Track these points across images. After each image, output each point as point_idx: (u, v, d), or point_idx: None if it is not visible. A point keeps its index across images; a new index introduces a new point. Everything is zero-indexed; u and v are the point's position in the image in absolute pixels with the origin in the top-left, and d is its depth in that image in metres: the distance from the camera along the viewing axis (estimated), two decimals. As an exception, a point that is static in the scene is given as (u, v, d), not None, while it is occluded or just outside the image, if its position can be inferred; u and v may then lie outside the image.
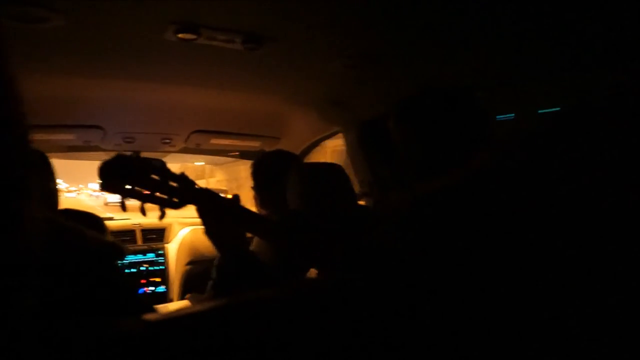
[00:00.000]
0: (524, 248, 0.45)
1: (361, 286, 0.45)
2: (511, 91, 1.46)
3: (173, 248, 2.67)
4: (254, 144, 2.41)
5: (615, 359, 0.42)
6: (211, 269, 1.07)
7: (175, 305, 2.30)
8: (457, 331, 0.43)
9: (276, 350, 0.37)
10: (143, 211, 0.95)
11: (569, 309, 0.43)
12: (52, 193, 1.26)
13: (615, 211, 0.45)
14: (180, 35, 1.09)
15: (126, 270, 2.48)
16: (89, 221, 1.26)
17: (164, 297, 2.55)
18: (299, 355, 0.38)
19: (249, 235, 1.16)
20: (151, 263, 2.58)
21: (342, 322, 0.41)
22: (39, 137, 1.88)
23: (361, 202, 2.04)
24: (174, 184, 0.95)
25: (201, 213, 1.00)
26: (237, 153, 2.66)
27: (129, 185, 0.89)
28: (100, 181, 0.87)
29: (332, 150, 4.48)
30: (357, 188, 1.95)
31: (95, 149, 2.23)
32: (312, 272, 1.20)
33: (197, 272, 2.55)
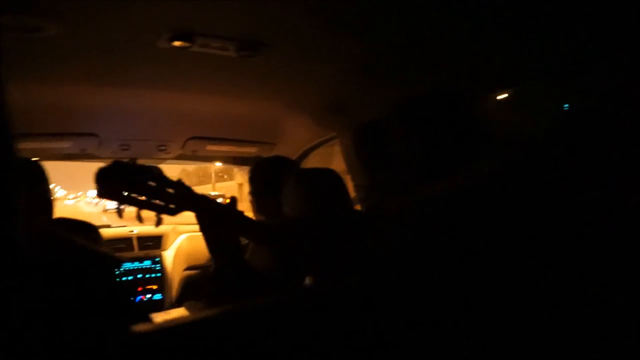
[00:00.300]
0: (523, 249, 0.45)
1: (359, 291, 0.45)
2: (511, 93, 1.46)
3: (170, 255, 2.66)
4: (250, 150, 2.41)
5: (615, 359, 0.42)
6: (208, 276, 1.06)
7: (172, 313, 2.29)
8: (457, 332, 0.42)
9: (273, 358, 0.37)
10: (139, 218, 0.94)
11: (570, 310, 0.43)
12: (47, 202, 1.25)
13: (614, 211, 0.45)
14: (174, 43, 1.09)
15: (123, 278, 2.47)
16: (84, 230, 1.25)
17: (161, 305, 2.54)
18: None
19: (244, 241, 1.15)
20: (148, 271, 2.57)
21: (340, 328, 0.40)
22: (34, 145, 1.88)
23: (358, 207, 2.04)
24: (171, 191, 0.95)
25: (198, 219, 1.00)
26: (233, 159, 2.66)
27: (126, 191, 0.89)
28: (97, 187, 0.87)
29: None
30: (353, 193, 1.95)
31: (91, 156, 2.22)
32: (309, 278, 1.20)
33: (194, 280, 2.54)
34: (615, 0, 0.91)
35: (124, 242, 2.58)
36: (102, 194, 0.88)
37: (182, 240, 2.69)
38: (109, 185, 0.88)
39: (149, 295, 2.53)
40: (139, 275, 2.53)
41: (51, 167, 1.34)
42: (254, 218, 1.61)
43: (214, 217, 1.00)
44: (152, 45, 1.12)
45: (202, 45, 1.12)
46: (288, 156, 1.99)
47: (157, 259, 2.61)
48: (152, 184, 0.92)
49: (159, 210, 0.94)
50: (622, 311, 0.44)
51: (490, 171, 0.51)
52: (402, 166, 0.92)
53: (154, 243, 2.67)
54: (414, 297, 0.44)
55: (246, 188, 1.71)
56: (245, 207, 1.57)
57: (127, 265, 2.51)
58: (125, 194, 0.89)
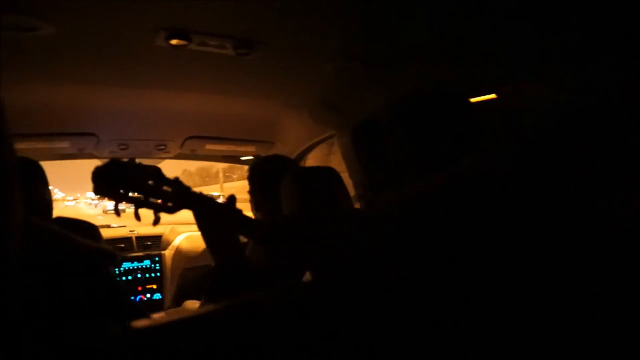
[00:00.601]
0: (515, 247, 0.45)
1: (356, 288, 0.45)
2: (504, 91, 1.47)
3: (169, 255, 2.66)
4: (249, 149, 2.42)
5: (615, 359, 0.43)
6: (207, 274, 1.07)
7: (171, 313, 2.29)
8: (451, 330, 0.43)
9: (271, 355, 0.37)
10: (137, 216, 0.95)
11: (567, 309, 0.43)
12: (45, 202, 1.25)
13: (610, 211, 0.45)
14: (171, 42, 1.09)
15: (122, 278, 2.47)
16: (84, 229, 1.25)
17: (161, 305, 2.54)
18: (294, 358, 0.38)
19: (244, 239, 1.15)
20: (147, 270, 2.57)
21: (337, 324, 0.41)
22: (32, 145, 1.88)
23: (357, 205, 2.04)
24: (168, 189, 0.95)
25: (197, 217, 1.00)
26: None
27: (123, 190, 0.89)
28: (94, 185, 0.87)
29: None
30: (352, 191, 1.95)
31: (89, 156, 2.22)
32: (307, 276, 1.20)
33: (194, 279, 2.55)
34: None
35: (124, 242, 2.59)
36: (99, 192, 0.88)
37: (181, 240, 2.69)
38: (106, 183, 0.88)
39: (148, 295, 2.54)
40: (139, 275, 2.53)
41: (48, 169, 1.34)
42: (252, 216, 1.62)
43: (212, 215, 1.00)
44: (150, 44, 1.12)
45: (200, 43, 1.11)
46: (286, 155, 1.99)
47: (156, 259, 2.61)
48: (150, 182, 0.92)
49: (157, 209, 0.94)
50: (622, 312, 0.44)
51: (486, 169, 0.51)
52: (394, 164, 0.92)
53: (153, 243, 2.67)
54: (410, 294, 0.44)
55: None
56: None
57: (127, 265, 2.51)
58: (123, 192, 0.89)
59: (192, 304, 2.22)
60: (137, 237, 2.65)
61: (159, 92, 1.62)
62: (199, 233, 1.04)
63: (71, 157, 2.28)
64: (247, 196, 1.65)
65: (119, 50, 1.18)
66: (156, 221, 0.95)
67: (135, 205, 0.92)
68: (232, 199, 1.06)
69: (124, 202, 0.90)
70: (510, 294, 0.44)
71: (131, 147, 2.14)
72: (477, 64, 1.36)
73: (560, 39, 1.14)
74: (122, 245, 2.58)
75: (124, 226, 2.74)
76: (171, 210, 0.96)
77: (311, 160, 2.47)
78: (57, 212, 1.36)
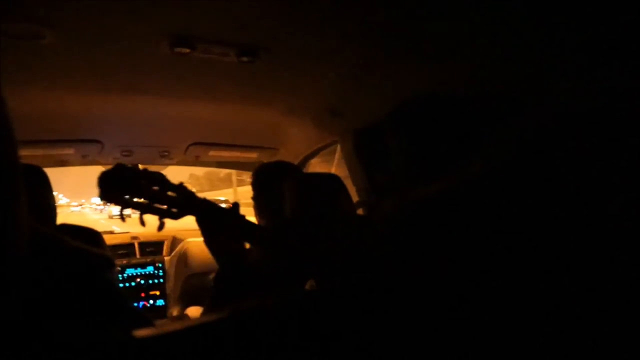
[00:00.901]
0: (519, 253, 0.45)
1: (359, 295, 0.45)
2: (507, 97, 1.46)
3: (172, 261, 2.66)
4: (252, 155, 2.42)
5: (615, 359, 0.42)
6: (210, 281, 1.07)
7: (174, 319, 2.29)
8: (455, 335, 0.42)
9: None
10: (142, 221, 0.95)
11: (570, 315, 0.43)
12: (49, 207, 1.26)
13: (612, 215, 0.45)
14: (175, 49, 1.10)
15: (125, 284, 2.47)
16: (86, 235, 1.26)
17: (164, 311, 2.54)
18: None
19: (248, 245, 1.15)
20: (150, 276, 2.57)
21: (341, 332, 0.40)
22: (36, 152, 1.89)
23: (359, 211, 2.04)
24: (173, 194, 0.95)
25: (200, 223, 1.00)
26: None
27: (128, 195, 0.90)
28: (99, 191, 0.88)
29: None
30: (355, 197, 1.95)
31: (94, 162, 2.24)
32: (311, 281, 1.20)
33: (197, 285, 2.54)
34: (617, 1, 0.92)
35: (127, 248, 2.59)
36: (105, 197, 0.89)
37: (185, 246, 2.69)
38: (111, 188, 0.88)
39: (151, 302, 2.53)
40: (141, 281, 2.53)
41: (52, 175, 1.35)
42: (256, 222, 1.62)
43: (216, 221, 1.00)
44: (154, 52, 1.13)
45: (203, 51, 1.12)
46: (290, 161, 1.99)
47: (159, 265, 2.61)
48: (155, 187, 0.93)
49: (162, 214, 0.94)
50: (623, 312, 0.43)
51: (489, 172, 0.51)
52: (397, 169, 0.92)
53: (156, 249, 2.68)
54: (414, 299, 0.44)
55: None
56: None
57: (130, 271, 2.51)
58: (128, 197, 0.90)
59: (195, 311, 2.22)
60: (140, 243, 2.66)
61: (163, 99, 1.63)
62: (202, 239, 1.04)
63: (75, 164, 2.29)
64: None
65: (123, 58, 1.19)
66: (161, 227, 0.96)
67: (140, 211, 0.92)
68: (235, 205, 1.06)
69: (129, 208, 0.91)
70: (515, 296, 0.44)
71: (135, 153, 2.16)
72: (481, 68, 1.36)
73: (561, 41, 1.14)
74: (125, 252, 2.59)
75: (127, 232, 2.75)
76: (176, 216, 0.96)
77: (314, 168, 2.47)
78: (62, 217, 1.37)
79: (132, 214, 0.99)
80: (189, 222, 1.04)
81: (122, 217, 0.94)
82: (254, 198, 1.66)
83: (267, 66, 1.25)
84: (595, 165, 0.46)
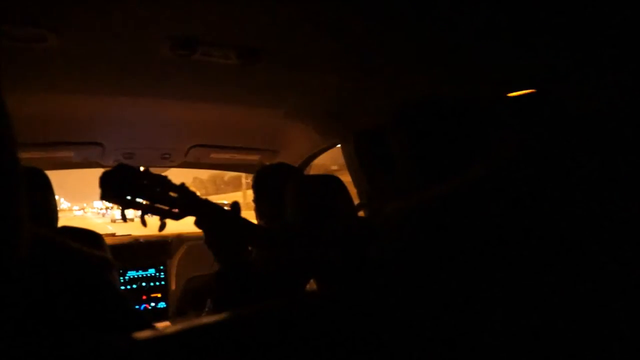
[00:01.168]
0: (520, 256, 0.45)
1: (361, 296, 0.45)
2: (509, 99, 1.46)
3: (174, 263, 2.66)
4: (253, 158, 2.42)
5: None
6: (212, 282, 1.07)
7: (177, 322, 2.29)
8: (458, 337, 0.42)
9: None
10: (143, 222, 0.95)
11: (572, 317, 0.43)
12: (50, 210, 1.26)
13: (615, 215, 0.45)
14: (176, 52, 1.10)
15: (127, 287, 2.47)
16: (87, 238, 1.26)
17: (165, 313, 2.53)
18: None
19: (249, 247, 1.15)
20: (152, 279, 2.56)
21: (343, 333, 0.40)
22: (37, 155, 1.89)
23: (360, 214, 2.04)
24: (174, 195, 0.95)
25: (201, 224, 1.00)
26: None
27: (130, 196, 0.90)
28: (101, 191, 0.88)
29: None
30: (356, 199, 1.94)
31: (95, 165, 2.24)
32: (312, 284, 1.20)
33: (199, 287, 2.54)
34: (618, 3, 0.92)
35: (128, 250, 2.58)
36: (106, 197, 0.89)
37: (186, 248, 2.69)
38: (113, 188, 0.88)
39: (153, 304, 2.53)
40: (143, 284, 2.53)
41: (53, 179, 1.35)
42: (257, 224, 1.62)
43: (217, 222, 1.00)
44: (155, 54, 1.13)
45: (204, 53, 1.12)
46: (291, 163, 1.99)
47: (161, 267, 2.61)
48: (157, 188, 0.93)
49: (163, 215, 0.94)
50: (625, 314, 0.43)
51: (493, 176, 0.51)
52: (399, 173, 0.92)
53: (158, 251, 2.67)
54: (417, 302, 0.44)
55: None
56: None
57: (131, 274, 2.51)
58: (129, 197, 0.90)
59: (197, 313, 2.22)
60: (141, 246, 2.65)
61: (164, 101, 1.64)
62: (203, 241, 1.04)
63: (76, 167, 2.30)
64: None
65: (124, 61, 1.20)
66: (162, 227, 0.96)
67: (141, 211, 0.92)
68: (236, 207, 1.06)
69: (130, 208, 0.91)
70: (519, 297, 0.44)
71: (136, 156, 2.16)
72: (482, 71, 1.36)
73: (564, 45, 1.14)
74: (127, 254, 2.58)
75: (129, 234, 2.75)
76: (177, 217, 0.96)
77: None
78: (65, 221, 1.37)
79: (135, 217, 0.99)
80: (190, 223, 1.04)
81: (124, 218, 0.94)
82: (255, 200, 1.66)
83: (268, 69, 1.26)
84: (599, 166, 0.46)
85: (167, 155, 2.24)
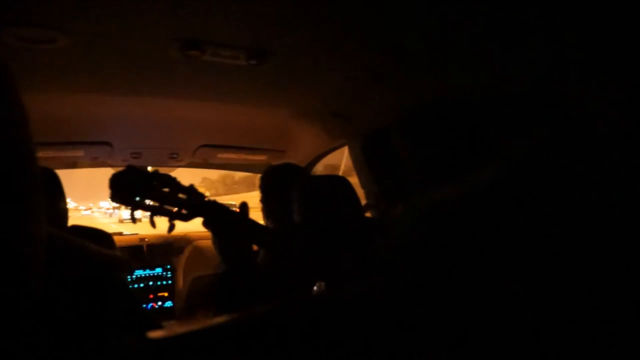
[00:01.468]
0: (530, 258, 0.45)
1: (368, 298, 0.45)
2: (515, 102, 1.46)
3: (181, 263, 2.67)
4: (260, 158, 2.43)
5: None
6: (218, 281, 1.07)
7: (183, 321, 2.30)
8: (467, 341, 0.42)
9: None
10: (152, 223, 0.96)
11: (582, 318, 0.43)
12: (61, 210, 1.27)
13: (623, 216, 0.45)
14: (185, 52, 1.10)
15: (134, 286, 2.48)
16: (97, 237, 1.27)
17: (172, 313, 2.55)
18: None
19: (256, 248, 1.15)
20: (159, 278, 2.58)
21: (350, 335, 0.40)
22: (47, 154, 1.91)
23: (368, 214, 2.03)
24: (183, 196, 0.96)
25: (209, 225, 1.01)
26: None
27: (139, 197, 0.90)
28: (111, 192, 0.89)
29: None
30: (363, 200, 1.94)
31: (103, 165, 2.25)
32: (319, 284, 1.20)
33: (206, 287, 2.55)
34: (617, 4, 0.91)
35: (136, 250, 2.60)
36: (116, 198, 0.89)
37: (194, 248, 2.70)
38: (122, 190, 0.89)
39: (159, 303, 2.54)
40: (150, 283, 2.54)
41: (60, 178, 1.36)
42: (264, 224, 1.62)
43: (224, 222, 1.01)
44: (164, 55, 1.13)
45: (213, 54, 1.13)
46: (297, 163, 2.00)
47: (168, 267, 2.62)
48: (165, 189, 0.93)
49: (172, 216, 0.95)
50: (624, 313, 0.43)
51: (500, 178, 0.51)
52: (406, 174, 0.92)
53: (165, 250, 2.68)
54: (425, 304, 0.44)
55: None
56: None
57: (139, 273, 2.52)
58: (138, 199, 0.90)
59: (204, 313, 2.22)
60: (148, 245, 2.67)
61: (172, 101, 1.65)
62: (210, 241, 1.04)
63: (85, 166, 2.32)
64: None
65: (133, 61, 1.20)
66: (171, 229, 0.96)
67: (150, 213, 0.93)
68: (244, 207, 1.06)
69: (139, 209, 0.91)
70: (531, 301, 0.44)
71: (144, 155, 2.17)
72: (489, 74, 1.36)
73: (568, 47, 1.13)
74: (134, 253, 2.60)
75: (136, 234, 2.76)
76: (186, 218, 0.97)
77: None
78: (73, 221, 1.38)
79: (143, 217, 1.00)
80: (197, 223, 1.05)
81: (133, 219, 0.94)
82: (262, 200, 1.66)
83: (276, 69, 1.26)
84: (609, 169, 0.46)
85: (175, 155, 2.25)
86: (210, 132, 2.12)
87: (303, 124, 2.02)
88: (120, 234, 2.91)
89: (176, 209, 0.95)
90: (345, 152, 2.22)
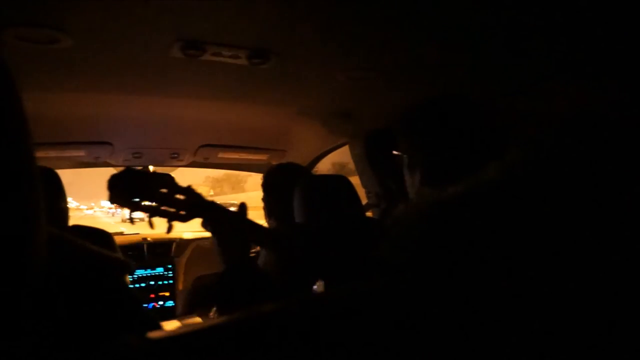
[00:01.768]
0: (531, 259, 0.45)
1: (369, 298, 0.45)
2: (518, 100, 1.46)
3: (182, 262, 2.67)
4: (261, 157, 2.43)
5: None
6: (218, 281, 1.07)
7: (184, 321, 2.30)
8: (468, 341, 0.42)
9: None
10: (151, 224, 0.96)
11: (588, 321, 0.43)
12: (61, 210, 1.28)
13: (623, 216, 0.45)
14: (186, 52, 1.10)
15: (135, 285, 2.49)
16: (98, 237, 1.27)
17: (173, 312, 2.55)
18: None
19: (257, 248, 1.16)
20: (160, 277, 2.58)
21: (350, 336, 0.40)
22: (48, 154, 1.91)
23: (369, 214, 2.04)
24: (181, 197, 0.96)
25: (208, 225, 1.01)
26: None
27: (137, 198, 0.91)
28: (109, 194, 0.89)
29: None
30: (365, 200, 1.94)
31: (104, 164, 2.26)
32: (320, 284, 1.20)
33: (206, 286, 2.55)
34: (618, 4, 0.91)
35: (136, 249, 2.60)
36: (115, 200, 0.90)
37: (194, 248, 2.70)
38: (120, 191, 0.89)
39: (160, 302, 2.54)
40: (151, 282, 2.54)
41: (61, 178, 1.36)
42: (265, 224, 1.62)
43: (224, 222, 1.01)
44: (165, 55, 1.13)
45: (214, 54, 1.13)
46: (299, 163, 2.00)
47: (169, 266, 2.62)
48: (163, 190, 0.93)
49: (170, 217, 0.95)
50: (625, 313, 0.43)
51: (504, 177, 0.51)
52: (413, 173, 0.91)
53: (166, 250, 2.68)
54: (422, 304, 0.44)
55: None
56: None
57: (139, 272, 2.52)
58: (137, 200, 0.90)
59: (204, 312, 2.22)
60: (149, 244, 2.67)
61: (174, 101, 1.65)
62: (211, 240, 1.04)
63: (86, 166, 2.32)
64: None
65: (135, 61, 1.20)
66: (169, 229, 0.96)
67: (149, 214, 0.93)
68: (243, 207, 1.06)
69: (138, 211, 0.92)
70: (533, 306, 0.43)
71: (145, 155, 2.17)
72: (492, 72, 1.36)
73: (573, 47, 1.13)
74: (135, 252, 2.60)
75: (137, 233, 2.76)
76: (184, 219, 0.97)
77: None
78: (75, 221, 1.38)
79: (145, 217, 1.00)
80: (198, 223, 1.05)
81: (132, 220, 0.94)
82: (264, 200, 1.66)
83: (277, 69, 1.26)
84: (615, 169, 0.46)
85: (176, 155, 2.25)
86: (211, 131, 2.12)
87: (304, 124, 2.02)
88: (122, 233, 2.91)
89: (174, 210, 0.95)
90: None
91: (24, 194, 0.28)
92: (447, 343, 0.42)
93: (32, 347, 0.29)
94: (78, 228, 1.24)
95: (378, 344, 0.40)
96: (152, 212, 0.93)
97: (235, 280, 1.00)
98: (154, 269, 2.57)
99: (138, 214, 0.93)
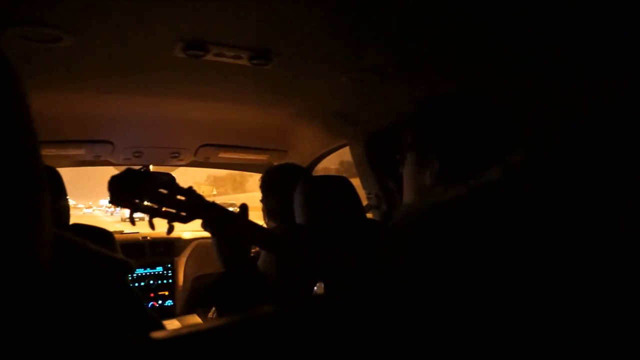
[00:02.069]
0: (531, 259, 0.45)
1: (370, 300, 0.45)
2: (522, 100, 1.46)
3: (181, 262, 2.67)
4: (261, 157, 2.43)
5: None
6: (218, 281, 1.07)
7: (183, 320, 2.30)
8: (468, 341, 0.42)
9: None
10: (152, 225, 0.96)
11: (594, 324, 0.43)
12: (62, 208, 1.28)
13: (624, 217, 0.45)
14: (188, 52, 1.11)
15: (135, 284, 2.49)
16: (99, 236, 1.27)
17: (172, 311, 2.55)
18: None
19: (256, 249, 1.15)
20: (159, 277, 2.58)
21: (350, 336, 0.40)
22: (49, 152, 1.91)
23: (369, 215, 2.04)
24: (182, 198, 0.95)
25: (208, 226, 1.01)
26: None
27: (138, 199, 0.90)
28: (110, 195, 0.89)
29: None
30: (365, 201, 1.94)
31: (105, 163, 2.26)
32: (319, 286, 1.20)
33: (206, 286, 2.55)
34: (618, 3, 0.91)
35: (136, 248, 2.60)
36: (115, 201, 0.90)
37: (194, 247, 2.70)
38: (121, 192, 0.89)
39: (160, 302, 2.55)
40: (151, 282, 2.55)
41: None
42: (265, 225, 1.62)
43: (224, 224, 1.01)
44: (167, 55, 1.14)
45: (216, 54, 1.13)
46: (299, 163, 2.00)
47: (168, 265, 2.62)
48: (164, 191, 0.93)
49: (171, 218, 0.95)
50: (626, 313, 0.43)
51: (509, 180, 0.51)
52: (421, 170, 0.91)
53: (166, 249, 2.69)
54: (422, 304, 0.44)
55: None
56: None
57: (139, 271, 2.53)
58: (137, 201, 0.90)
59: (204, 312, 2.23)
60: (149, 244, 2.67)
61: (175, 100, 1.65)
62: (211, 240, 1.04)
63: (87, 164, 2.32)
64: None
65: (137, 61, 1.21)
66: (170, 230, 0.96)
67: (149, 215, 0.93)
68: (244, 208, 1.06)
69: (138, 211, 0.91)
70: (531, 304, 0.43)
71: (146, 154, 2.17)
72: (492, 73, 1.36)
73: (576, 46, 1.13)
74: (135, 252, 2.60)
75: (137, 232, 2.77)
76: (184, 220, 0.97)
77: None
78: (75, 220, 1.38)
79: (145, 217, 1.00)
80: (198, 223, 1.05)
81: (133, 221, 0.94)
82: (263, 200, 1.66)
83: (279, 69, 1.26)
84: (617, 170, 0.46)
85: (177, 154, 2.25)
86: (212, 131, 2.13)
87: (305, 124, 2.02)
88: (121, 232, 2.91)
89: (175, 210, 0.95)
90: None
91: (30, 192, 0.28)
92: (447, 343, 0.42)
93: (33, 347, 0.29)
94: (79, 227, 1.24)
95: (378, 345, 0.41)
96: (153, 213, 0.92)
97: (235, 282, 1.00)
98: (154, 268, 2.57)
99: (138, 214, 0.93)
